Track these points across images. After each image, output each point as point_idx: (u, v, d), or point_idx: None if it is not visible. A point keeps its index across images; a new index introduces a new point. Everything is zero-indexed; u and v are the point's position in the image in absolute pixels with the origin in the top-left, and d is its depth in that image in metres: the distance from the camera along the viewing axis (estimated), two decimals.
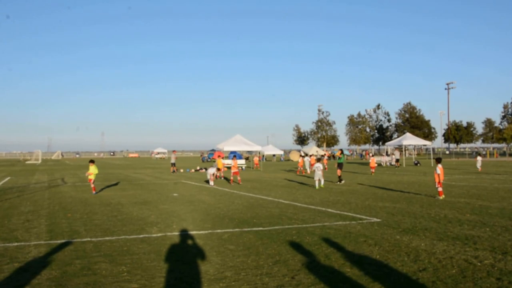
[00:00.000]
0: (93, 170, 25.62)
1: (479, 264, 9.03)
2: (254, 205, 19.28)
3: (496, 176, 36.31)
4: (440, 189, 20.73)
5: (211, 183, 30.58)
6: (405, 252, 10.14)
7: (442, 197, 20.54)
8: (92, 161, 26.47)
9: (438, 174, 20.68)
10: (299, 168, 48.05)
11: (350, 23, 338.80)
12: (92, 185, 25.65)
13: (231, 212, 17.25)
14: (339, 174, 31.05)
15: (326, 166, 52.50)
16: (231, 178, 31.76)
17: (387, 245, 10.97)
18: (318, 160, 29.64)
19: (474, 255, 9.77)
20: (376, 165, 46.77)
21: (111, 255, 10.30)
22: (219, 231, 13.32)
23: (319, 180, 27.76)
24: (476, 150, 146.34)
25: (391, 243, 11.14)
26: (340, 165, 31.32)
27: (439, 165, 20.97)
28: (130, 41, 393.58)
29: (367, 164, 58.95)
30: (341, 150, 35.84)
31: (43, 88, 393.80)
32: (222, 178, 36.91)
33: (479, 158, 47.17)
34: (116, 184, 32.79)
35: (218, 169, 37.53)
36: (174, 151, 54.76)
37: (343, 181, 30.85)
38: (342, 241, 11.48)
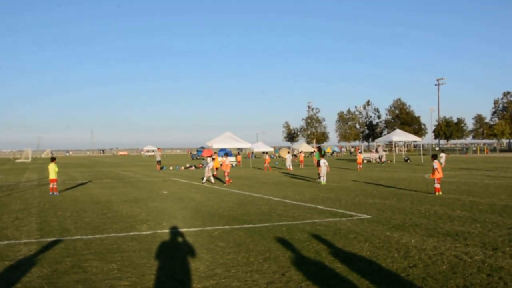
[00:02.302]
0: (52, 168, 24.16)
1: (469, 260, 9.09)
2: (244, 202, 19.32)
3: (487, 172, 36.55)
4: (436, 185, 20.91)
5: (211, 178, 30.44)
6: (395, 249, 10.19)
7: (438, 193, 20.71)
8: (53, 159, 25.41)
9: (435, 169, 20.82)
10: (265, 165, 48.54)
11: (340, 19, 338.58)
12: (51, 185, 24.22)
13: (221, 210, 17.28)
14: (319, 172, 31.04)
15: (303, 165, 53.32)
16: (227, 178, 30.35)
17: (377, 241, 11.03)
18: (323, 155, 29.68)
19: (465, 251, 9.83)
20: (363, 161, 47.31)
21: (102, 253, 10.31)
22: (209, 228, 13.34)
23: (324, 177, 27.89)
24: (466, 146, 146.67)
25: (381, 240, 11.20)
26: (319, 162, 31.26)
27: (436, 161, 21.10)
28: (118, 38, 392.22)
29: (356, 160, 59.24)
30: (319, 147, 36.01)
31: (32, 86, 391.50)
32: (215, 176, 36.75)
33: (442, 155, 47.93)
34: (84, 184, 32.69)
35: (217, 168, 37.35)
36: (159, 148, 54.29)
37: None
38: (332, 238, 11.53)
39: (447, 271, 8.32)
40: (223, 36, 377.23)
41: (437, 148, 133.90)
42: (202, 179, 31.42)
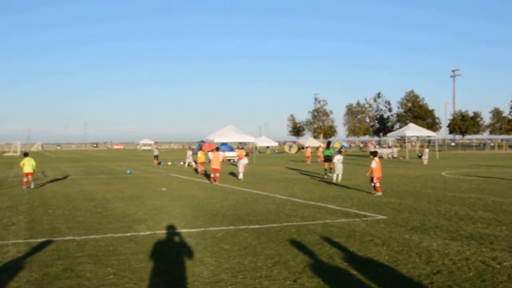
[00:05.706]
0: (27, 162, 24.72)
1: (498, 266, 8.88)
2: (248, 201, 19.15)
3: (507, 170, 36.29)
4: (377, 184, 20.68)
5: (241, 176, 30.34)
6: (415, 253, 9.99)
7: (380, 193, 20.47)
8: (26, 154, 25.93)
9: (374, 168, 20.57)
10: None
11: (351, 5, 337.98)
12: (25, 179, 25.04)
13: (225, 208, 17.10)
14: (325, 167, 30.93)
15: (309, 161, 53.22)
16: (212, 175, 28.80)
17: (395, 245, 10.82)
18: (339, 151, 29.33)
19: (492, 256, 9.62)
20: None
21: (96, 255, 10.15)
22: (212, 229, 13.16)
23: (338, 175, 27.51)
24: (483, 141, 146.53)
25: (400, 243, 10.99)
26: (326, 158, 31.12)
27: (376, 159, 20.84)
28: (111, 19, 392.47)
29: (368, 156, 58.98)
30: (329, 141, 35.69)
31: (19, 74, 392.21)
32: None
33: (426, 151, 47.74)
34: (77, 179, 32.60)
35: (199, 163, 36.63)
36: (156, 142, 54.32)
37: (326, 176, 30.56)
38: (346, 241, 11.34)
39: (474, 279, 8.10)
40: (226, 25, 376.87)
41: (452, 144, 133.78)
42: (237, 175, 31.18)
